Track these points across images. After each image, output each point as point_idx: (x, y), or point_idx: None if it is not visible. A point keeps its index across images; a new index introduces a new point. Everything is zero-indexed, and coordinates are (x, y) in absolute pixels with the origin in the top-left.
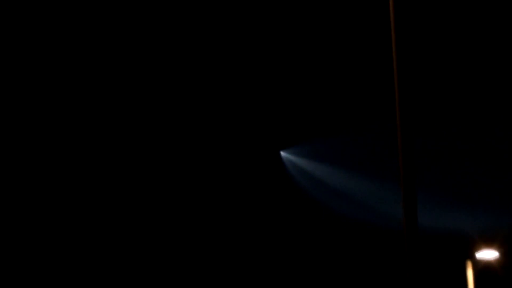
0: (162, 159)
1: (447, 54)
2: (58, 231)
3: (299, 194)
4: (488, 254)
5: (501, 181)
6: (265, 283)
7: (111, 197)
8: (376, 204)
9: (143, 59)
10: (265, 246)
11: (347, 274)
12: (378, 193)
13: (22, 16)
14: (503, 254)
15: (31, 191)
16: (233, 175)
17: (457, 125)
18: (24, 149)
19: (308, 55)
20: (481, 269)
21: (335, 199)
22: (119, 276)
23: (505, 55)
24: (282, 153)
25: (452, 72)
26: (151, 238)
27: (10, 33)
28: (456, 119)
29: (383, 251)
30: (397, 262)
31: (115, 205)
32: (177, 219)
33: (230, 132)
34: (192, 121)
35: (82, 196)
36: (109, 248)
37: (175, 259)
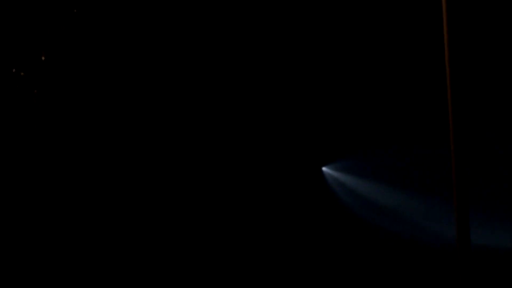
0: (190, 170)
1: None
2: (58, 231)
3: (342, 210)
4: None
5: None
6: None
7: (115, 197)
8: (423, 221)
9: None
10: (306, 262)
11: None
12: (425, 210)
13: (22, 16)
14: None
15: (31, 191)
16: (275, 190)
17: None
18: (24, 149)
19: (350, 66)
20: None
21: (380, 216)
22: (118, 276)
23: None
24: (324, 169)
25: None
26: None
27: (11, 33)
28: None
29: (432, 271)
30: (448, 282)
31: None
32: (210, 234)
33: (271, 146)
34: (233, 134)
35: (80, 196)
36: (109, 248)
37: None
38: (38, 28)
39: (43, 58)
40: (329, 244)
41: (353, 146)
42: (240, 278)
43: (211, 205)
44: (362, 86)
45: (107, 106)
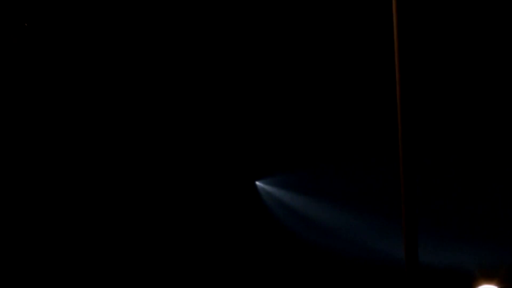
0: (133, 187)
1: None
2: (57, 231)
3: (275, 224)
4: None
5: (503, 214)
6: None
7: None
8: (364, 239)
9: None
10: (240, 276)
11: None
12: (360, 225)
13: (22, 15)
14: None
15: (31, 191)
16: (207, 204)
17: (456, 155)
18: (24, 149)
19: (284, 84)
20: None
21: (313, 231)
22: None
23: None
24: (258, 183)
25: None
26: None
27: (10, 33)
28: (455, 148)
29: (365, 285)
30: None
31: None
32: (144, 250)
33: (205, 160)
34: (167, 148)
35: (77, 196)
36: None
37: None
38: (38, 28)
39: (26, 24)
40: (260, 256)
41: (290, 160)
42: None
43: (137, 216)
44: (303, 100)
45: (103, 105)
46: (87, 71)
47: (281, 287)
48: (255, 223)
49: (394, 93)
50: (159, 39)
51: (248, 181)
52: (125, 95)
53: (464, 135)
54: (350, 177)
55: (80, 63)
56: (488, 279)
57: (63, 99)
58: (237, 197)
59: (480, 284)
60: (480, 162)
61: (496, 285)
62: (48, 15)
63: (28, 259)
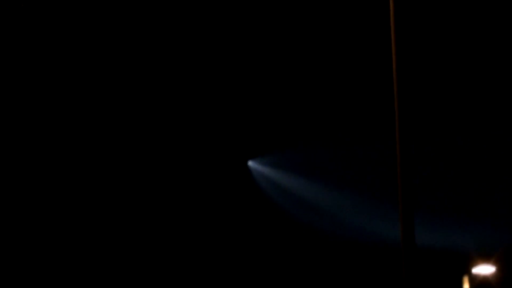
0: (125, 167)
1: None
2: (56, 231)
3: (267, 203)
4: (484, 269)
5: (498, 196)
6: None
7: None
8: (359, 221)
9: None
10: (231, 255)
11: None
12: (355, 206)
13: (22, 15)
14: (499, 269)
15: (31, 191)
16: (199, 184)
17: (454, 138)
18: (24, 149)
19: (278, 63)
20: (478, 284)
21: (306, 211)
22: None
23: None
24: (250, 163)
25: (448, 73)
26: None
27: (10, 33)
28: (451, 132)
29: (359, 266)
30: (383, 278)
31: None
32: (137, 229)
33: (197, 140)
34: (159, 129)
35: (76, 196)
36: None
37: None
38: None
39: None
40: (252, 236)
41: (283, 140)
42: (164, 275)
43: (132, 199)
44: (297, 81)
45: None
46: (87, 70)
47: (275, 267)
48: (248, 203)
49: (391, 76)
50: (148, 29)
51: (240, 161)
52: (118, 86)
53: (462, 119)
54: (345, 158)
55: (80, 63)
56: (485, 260)
57: (63, 99)
58: (229, 177)
59: (476, 264)
60: (478, 144)
61: (492, 265)
62: (48, 15)
63: (28, 259)
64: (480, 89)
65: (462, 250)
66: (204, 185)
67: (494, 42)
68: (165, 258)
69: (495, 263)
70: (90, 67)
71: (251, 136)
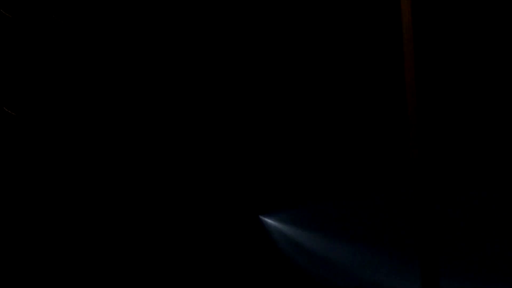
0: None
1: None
2: (56, 231)
3: (280, 257)
4: None
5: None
6: None
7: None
8: (371, 275)
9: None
10: None
11: None
12: (372, 262)
13: (21, 15)
14: None
15: (31, 191)
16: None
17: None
18: (24, 149)
19: (290, 111)
20: None
21: (320, 266)
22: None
23: None
24: (262, 218)
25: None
26: None
27: (10, 33)
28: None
29: None
30: None
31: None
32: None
33: (209, 194)
34: (168, 180)
35: (75, 196)
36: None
37: None
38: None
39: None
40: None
41: (294, 197)
42: None
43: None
44: (303, 136)
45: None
46: (87, 70)
47: None
48: (261, 258)
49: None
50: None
51: (252, 216)
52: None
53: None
54: (359, 212)
55: (80, 63)
56: None
57: (63, 99)
58: (241, 231)
59: None
60: (503, 196)
61: None
62: (47, 15)
63: (28, 259)
64: None
65: None
66: (217, 237)
67: (494, 42)
68: None
69: None
70: (91, 67)
71: (263, 191)
